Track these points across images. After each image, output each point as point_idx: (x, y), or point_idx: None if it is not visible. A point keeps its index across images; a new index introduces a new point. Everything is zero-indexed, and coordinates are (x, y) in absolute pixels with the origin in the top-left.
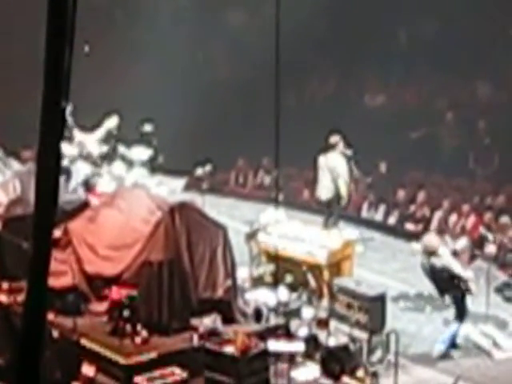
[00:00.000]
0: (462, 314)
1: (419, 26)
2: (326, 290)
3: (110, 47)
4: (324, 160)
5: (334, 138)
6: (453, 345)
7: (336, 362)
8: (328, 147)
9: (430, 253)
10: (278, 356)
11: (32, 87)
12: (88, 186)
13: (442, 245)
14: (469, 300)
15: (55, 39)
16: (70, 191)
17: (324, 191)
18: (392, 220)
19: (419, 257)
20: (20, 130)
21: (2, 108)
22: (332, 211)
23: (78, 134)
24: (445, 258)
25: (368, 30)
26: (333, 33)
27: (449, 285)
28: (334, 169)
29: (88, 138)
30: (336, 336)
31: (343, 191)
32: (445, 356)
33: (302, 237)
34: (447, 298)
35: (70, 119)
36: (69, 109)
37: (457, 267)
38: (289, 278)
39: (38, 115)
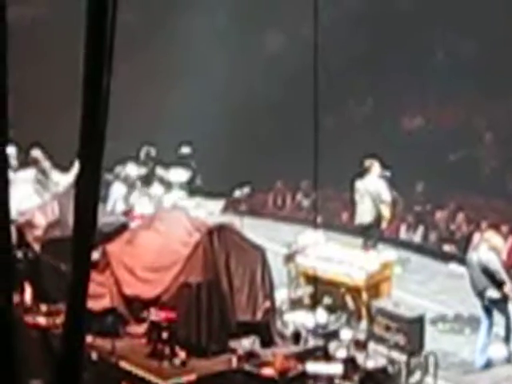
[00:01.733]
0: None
1: (457, 46)
2: (364, 312)
3: (148, 71)
4: (361, 184)
5: (369, 162)
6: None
7: (375, 383)
8: (364, 171)
9: (491, 247)
10: (316, 378)
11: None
12: (126, 208)
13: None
14: None
15: (94, 61)
16: (107, 213)
17: (365, 215)
18: (430, 241)
19: (457, 278)
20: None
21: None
22: (371, 233)
23: None
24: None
25: (406, 50)
26: (370, 54)
27: (493, 283)
28: (373, 192)
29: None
30: (374, 358)
31: (386, 214)
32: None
33: (340, 258)
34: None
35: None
36: None
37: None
38: (327, 300)
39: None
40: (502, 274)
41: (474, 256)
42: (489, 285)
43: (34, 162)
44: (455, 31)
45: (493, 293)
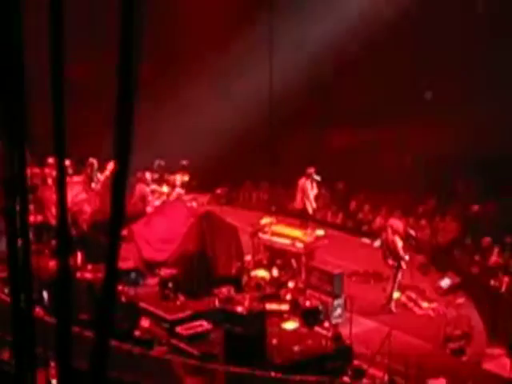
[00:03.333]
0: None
1: None
2: (303, 269)
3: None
4: (300, 183)
5: (309, 169)
6: None
7: (311, 317)
8: (304, 176)
9: (394, 231)
10: (271, 313)
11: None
12: (144, 200)
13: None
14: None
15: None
16: (131, 204)
17: (297, 204)
18: (348, 222)
19: (366, 247)
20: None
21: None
22: (304, 216)
23: None
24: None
25: None
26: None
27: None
28: (303, 189)
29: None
30: (310, 300)
31: (310, 204)
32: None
33: (287, 234)
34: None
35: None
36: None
37: (400, 248)
38: (279, 262)
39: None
40: (401, 252)
41: (383, 236)
42: (392, 257)
43: (90, 165)
44: None
45: (393, 262)
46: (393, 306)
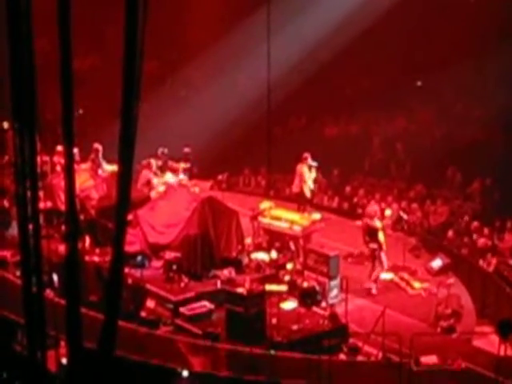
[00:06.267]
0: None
1: None
2: (301, 252)
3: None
4: (297, 169)
5: (304, 155)
6: None
7: (308, 297)
8: (301, 161)
9: (370, 216)
10: (270, 294)
11: None
12: (149, 186)
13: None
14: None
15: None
16: (138, 190)
17: (295, 188)
18: (343, 206)
19: (360, 230)
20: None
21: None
22: (301, 200)
23: None
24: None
25: None
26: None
27: (374, 238)
28: (301, 174)
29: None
30: (308, 281)
31: (307, 188)
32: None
33: (285, 218)
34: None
35: None
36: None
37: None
38: (277, 244)
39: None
40: (379, 235)
41: (362, 221)
42: (370, 240)
43: (96, 151)
44: None
45: (373, 245)
46: (374, 288)
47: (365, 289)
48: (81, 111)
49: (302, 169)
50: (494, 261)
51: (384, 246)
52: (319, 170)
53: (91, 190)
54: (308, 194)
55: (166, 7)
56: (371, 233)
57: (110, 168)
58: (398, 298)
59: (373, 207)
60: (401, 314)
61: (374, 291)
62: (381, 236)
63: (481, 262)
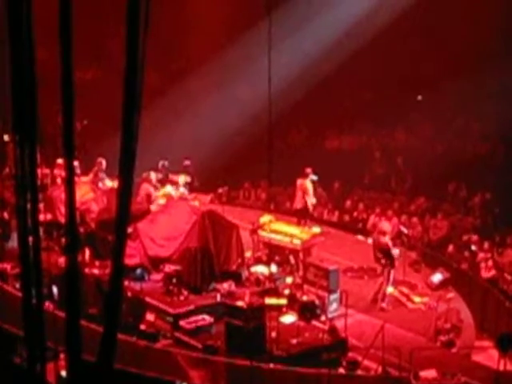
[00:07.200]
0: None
1: None
2: (300, 265)
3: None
4: (297, 183)
5: (306, 170)
6: None
7: (308, 311)
8: (302, 176)
9: (383, 233)
10: (270, 307)
11: None
12: (149, 199)
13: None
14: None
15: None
16: (138, 203)
17: (297, 203)
18: (343, 221)
19: (360, 244)
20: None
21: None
22: (303, 215)
23: None
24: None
25: None
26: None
27: (385, 255)
28: (303, 189)
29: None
30: (307, 294)
31: (310, 203)
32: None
33: (285, 232)
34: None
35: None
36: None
37: (391, 247)
38: (277, 258)
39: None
40: (392, 251)
41: (374, 237)
42: (382, 257)
43: (99, 164)
44: None
45: (384, 261)
46: (385, 303)
47: (380, 308)
48: (85, 122)
49: (306, 184)
50: (492, 271)
51: (396, 263)
52: (319, 184)
53: (91, 202)
54: (311, 209)
55: (167, 20)
56: (383, 250)
57: (110, 184)
58: (398, 312)
59: (384, 224)
60: (400, 328)
61: (384, 306)
62: (393, 253)
63: (482, 265)
